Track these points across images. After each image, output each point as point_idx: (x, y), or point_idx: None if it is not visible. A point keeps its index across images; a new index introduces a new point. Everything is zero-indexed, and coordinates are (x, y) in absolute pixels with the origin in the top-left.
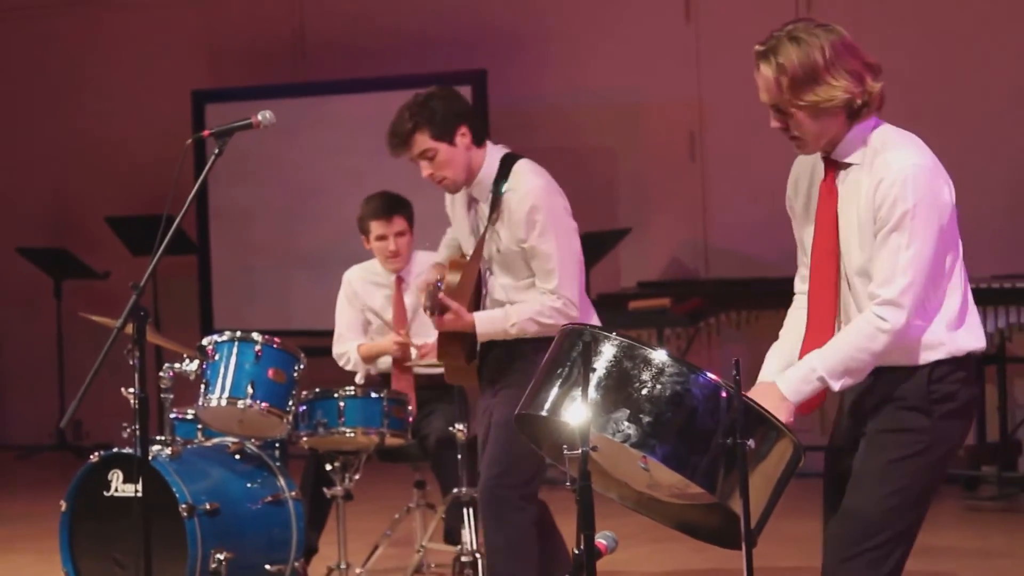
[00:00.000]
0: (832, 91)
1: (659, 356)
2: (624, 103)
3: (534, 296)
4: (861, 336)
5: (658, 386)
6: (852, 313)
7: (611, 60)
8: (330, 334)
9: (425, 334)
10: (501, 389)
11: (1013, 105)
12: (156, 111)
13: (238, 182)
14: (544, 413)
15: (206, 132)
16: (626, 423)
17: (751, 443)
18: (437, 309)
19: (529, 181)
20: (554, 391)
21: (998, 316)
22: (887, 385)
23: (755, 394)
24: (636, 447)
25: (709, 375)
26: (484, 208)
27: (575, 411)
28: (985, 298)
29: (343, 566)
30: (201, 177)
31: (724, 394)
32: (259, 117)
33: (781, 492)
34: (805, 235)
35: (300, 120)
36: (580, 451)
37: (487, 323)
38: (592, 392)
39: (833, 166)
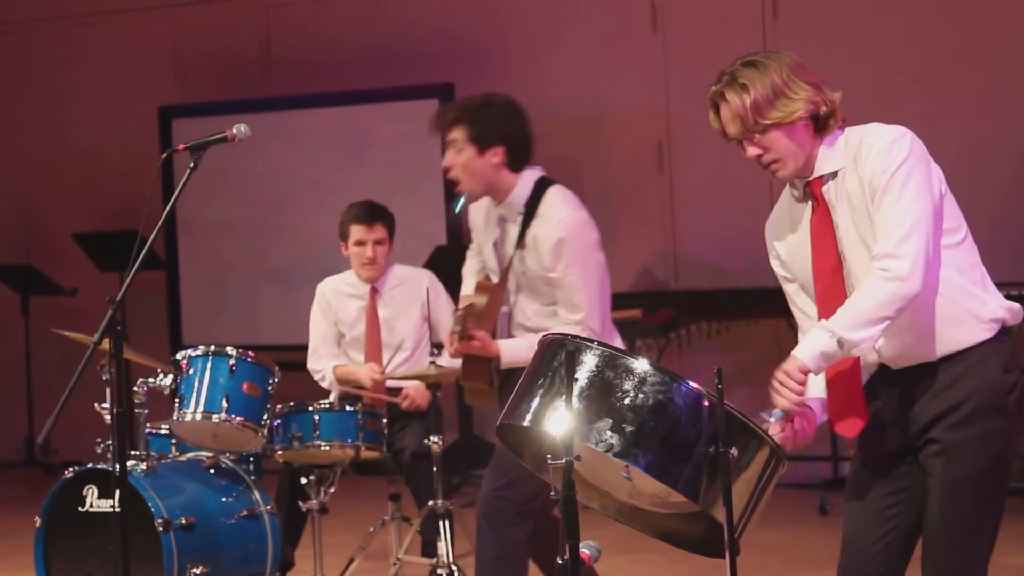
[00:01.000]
0: (794, 104)
1: (641, 365)
2: (591, 114)
3: (558, 326)
4: (865, 288)
5: (640, 395)
6: None
7: (578, 71)
8: (299, 348)
9: (401, 348)
10: None
11: (998, 114)
12: (123, 127)
13: (206, 197)
14: (526, 423)
15: (181, 146)
16: (609, 432)
17: (734, 451)
18: (465, 335)
19: (559, 211)
20: (536, 401)
21: None
22: (957, 380)
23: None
24: (619, 456)
25: (691, 384)
26: (513, 231)
27: (557, 421)
28: None
29: None
30: (177, 190)
31: (706, 403)
32: (234, 131)
33: (763, 500)
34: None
35: (267, 135)
36: (564, 461)
37: (512, 352)
38: (575, 402)
39: (816, 186)
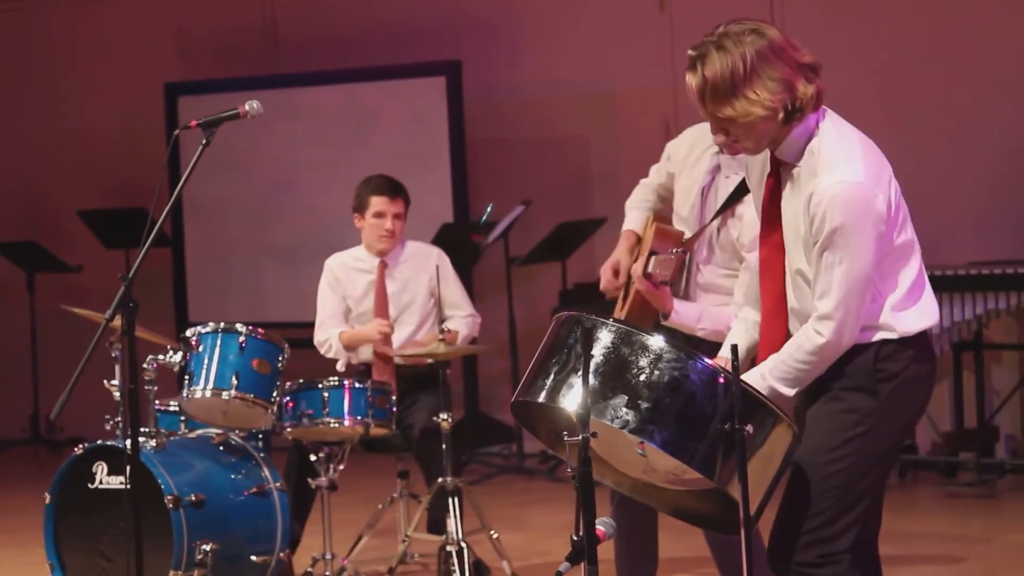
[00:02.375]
0: (750, 107)
1: (656, 342)
2: (599, 92)
3: (728, 307)
4: (801, 350)
5: (656, 372)
6: (792, 304)
7: (585, 49)
8: (305, 325)
9: (407, 322)
10: None
11: (990, 92)
12: (128, 104)
13: (212, 175)
14: (541, 400)
15: (194, 123)
16: (624, 409)
17: (749, 428)
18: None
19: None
20: (551, 378)
21: (976, 303)
22: (833, 365)
23: None
24: (634, 433)
25: (707, 360)
26: (726, 185)
27: (573, 398)
28: (962, 285)
29: (328, 557)
30: (189, 167)
31: (722, 379)
32: (246, 107)
33: (779, 477)
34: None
35: (273, 112)
36: (580, 437)
37: (682, 314)
38: (590, 378)
39: (776, 163)
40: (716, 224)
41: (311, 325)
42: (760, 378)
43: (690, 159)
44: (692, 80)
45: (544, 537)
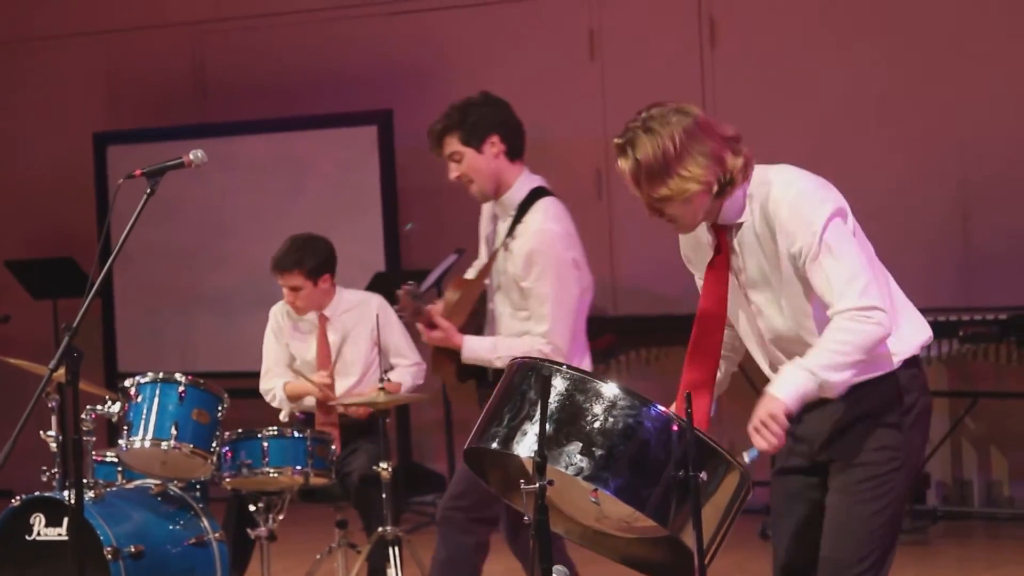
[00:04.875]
0: (684, 183)
1: (611, 389)
2: (530, 140)
3: (526, 336)
4: (842, 332)
5: (610, 419)
6: (774, 364)
7: (516, 98)
8: (238, 376)
9: (350, 372)
10: None
11: (932, 146)
12: (56, 153)
13: (142, 224)
14: (495, 447)
15: (138, 172)
16: (579, 456)
17: (703, 476)
18: (408, 314)
19: (539, 223)
20: (504, 424)
21: None
22: (856, 402)
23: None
24: (589, 480)
25: (661, 408)
26: (502, 228)
27: (527, 444)
28: None
29: None
30: (134, 216)
31: (675, 427)
32: (191, 156)
33: (731, 524)
34: None
35: (204, 161)
36: (537, 485)
37: (474, 349)
38: (539, 425)
39: (722, 229)
40: (499, 262)
41: (244, 375)
42: (796, 368)
43: (483, 221)
44: (625, 165)
45: None
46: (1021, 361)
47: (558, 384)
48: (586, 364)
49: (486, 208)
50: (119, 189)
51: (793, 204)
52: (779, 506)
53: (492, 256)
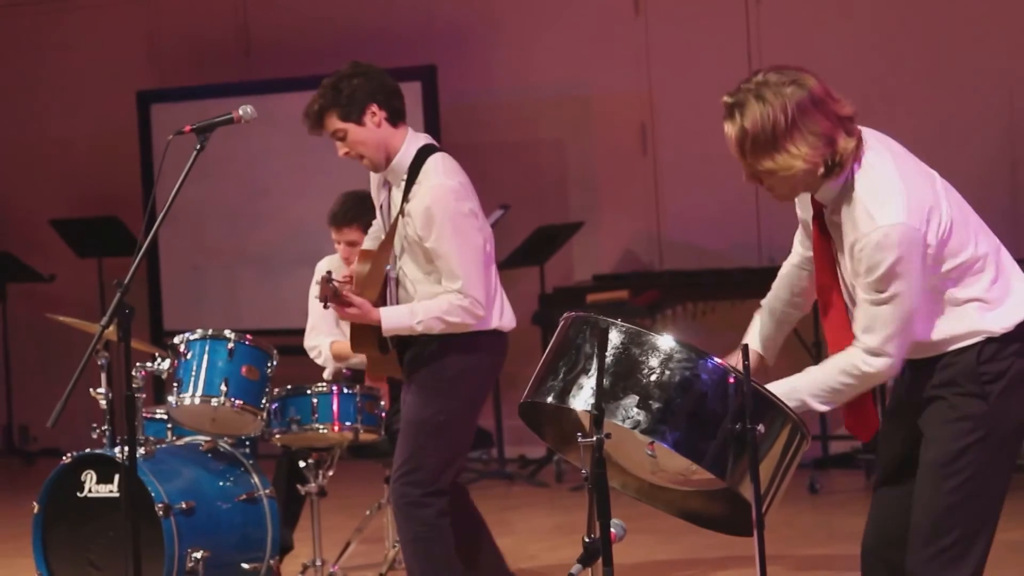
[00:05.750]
0: (791, 160)
1: (667, 342)
2: (574, 96)
3: (442, 294)
4: (844, 374)
5: (667, 372)
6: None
7: (560, 54)
8: (281, 333)
9: None
10: (412, 385)
11: (970, 107)
12: (100, 112)
13: (186, 182)
14: (550, 401)
15: (188, 128)
16: (635, 409)
17: (761, 428)
18: (327, 300)
19: (433, 179)
20: (560, 379)
21: None
22: (934, 374)
23: None
24: (646, 433)
25: (717, 360)
26: (397, 195)
27: (583, 398)
28: None
29: (318, 563)
30: (184, 173)
31: (732, 379)
32: (240, 112)
33: (788, 477)
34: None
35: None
36: (595, 438)
37: (393, 319)
38: (596, 379)
39: (819, 205)
40: (400, 227)
41: (287, 332)
42: (791, 390)
43: (374, 190)
44: (731, 129)
45: (530, 541)
46: None
47: (613, 337)
48: (507, 315)
49: (375, 176)
50: (169, 145)
51: (875, 238)
52: (882, 459)
53: (393, 224)
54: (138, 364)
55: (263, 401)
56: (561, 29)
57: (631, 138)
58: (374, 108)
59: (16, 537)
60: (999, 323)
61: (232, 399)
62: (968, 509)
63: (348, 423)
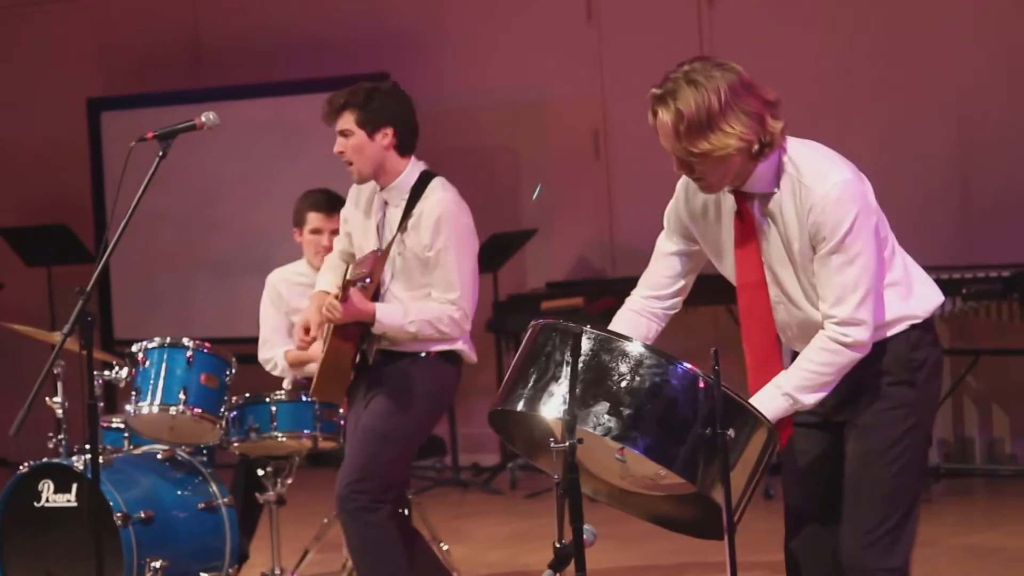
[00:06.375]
0: (726, 139)
1: (636, 348)
2: (527, 102)
3: (434, 302)
4: (825, 353)
5: (637, 378)
6: (794, 331)
7: (513, 59)
8: (234, 342)
9: None
10: (374, 398)
11: (926, 101)
12: (50, 119)
13: (137, 189)
14: (520, 408)
15: (150, 135)
16: (606, 416)
17: (731, 433)
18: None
19: (440, 194)
20: (530, 386)
21: None
22: (870, 362)
23: None
24: (618, 439)
25: (687, 365)
26: (395, 214)
27: (553, 406)
28: None
29: (277, 572)
30: (146, 180)
31: (702, 384)
32: (203, 118)
33: (758, 480)
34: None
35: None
36: (567, 444)
37: (387, 314)
38: (568, 385)
39: (745, 197)
40: (396, 246)
41: (240, 341)
42: (776, 389)
43: (359, 211)
44: (665, 115)
45: (487, 549)
46: (1023, 318)
47: (583, 344)
48: (470, 343)
49: (362, 198)
50: (131, 152)
51: (830, 197)
52: (788, 456)
53: (392, 239)
54: (95, 373)
55: (221, 409)
56: (513, 35)
57: (584, 144)
58: (389, 131)
59: None
60: (920, 307)
61: (191, 407)
62: (905, 492)
63: (307, 431)
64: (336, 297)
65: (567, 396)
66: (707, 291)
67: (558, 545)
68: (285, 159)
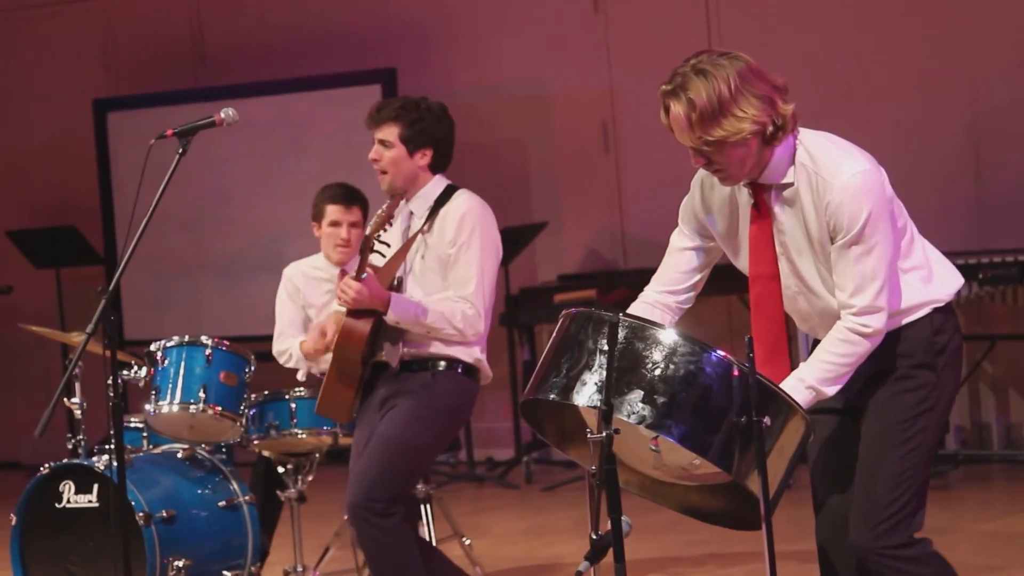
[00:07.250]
0: (740, 123)
1: (670, 336)
2: (535, 96)
3: (449, 299)
4: (846, 344)
5: (671, 366)
6: (816, 320)
7: (520, 53)
8: (243, 340)
9: None
10: (394, 407)
11: (939, 87)
12: (56, 121)
13: (144, 190)
14: (553, 397)
15: (170, 132)
16: (640, 404)
17: (767, 421)
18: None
19: (465, 197)
20: (563, 375)
21: None
22: (892, 345)
23: None
24: (652, 428)
25: (721, 353)
26: (418, 221)
27: (586, 394)
28: None
29: (299, 569)
30: (166, 178)
31: (736, 372)
32: (222, 115)
33: (793, 469)
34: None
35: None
36: (604, 434)
37: (401, 304)
38: (605, 374)
39: (762, 189)
40: (418, 251)
41: (251, 339)
42: (799, 382)
43: (396, 231)
44: (677, 108)
45: (506, 543)
46: None
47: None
48: (485, 357)
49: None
50: (151, 149)
51: (849, 189)
52: (814, 447)
53: (409, 240)
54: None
55: (241, 407)
56: (521, 29)
57: (593, 137)
58: (428, 152)
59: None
60: (943, 290)
61: (211, 405)
62: (918, 472)
63: (327, 427)
64: (355, 277)
65: (601, 384)
66: (720, 281)
67: (595, 536)
68: (292, 157)
